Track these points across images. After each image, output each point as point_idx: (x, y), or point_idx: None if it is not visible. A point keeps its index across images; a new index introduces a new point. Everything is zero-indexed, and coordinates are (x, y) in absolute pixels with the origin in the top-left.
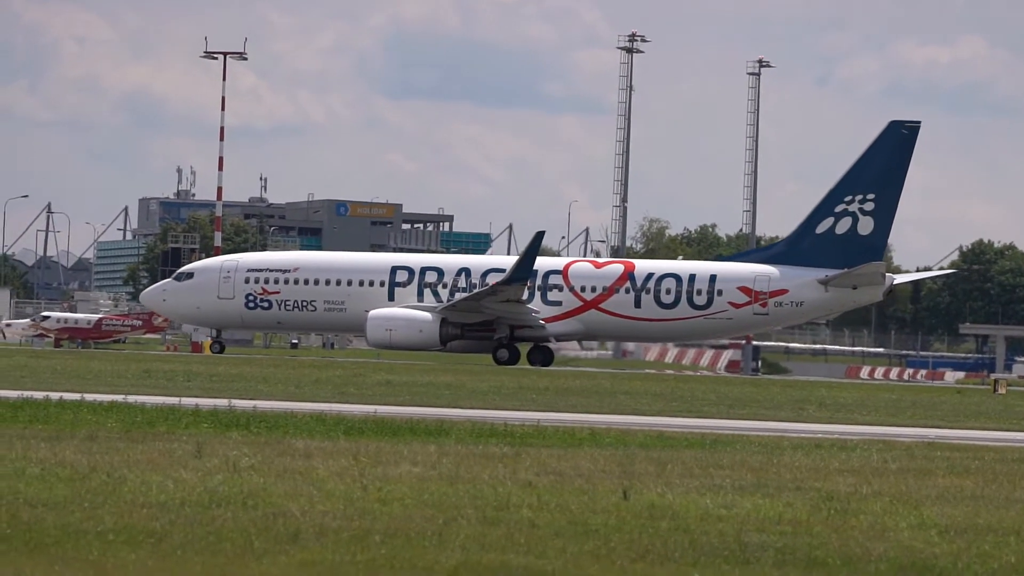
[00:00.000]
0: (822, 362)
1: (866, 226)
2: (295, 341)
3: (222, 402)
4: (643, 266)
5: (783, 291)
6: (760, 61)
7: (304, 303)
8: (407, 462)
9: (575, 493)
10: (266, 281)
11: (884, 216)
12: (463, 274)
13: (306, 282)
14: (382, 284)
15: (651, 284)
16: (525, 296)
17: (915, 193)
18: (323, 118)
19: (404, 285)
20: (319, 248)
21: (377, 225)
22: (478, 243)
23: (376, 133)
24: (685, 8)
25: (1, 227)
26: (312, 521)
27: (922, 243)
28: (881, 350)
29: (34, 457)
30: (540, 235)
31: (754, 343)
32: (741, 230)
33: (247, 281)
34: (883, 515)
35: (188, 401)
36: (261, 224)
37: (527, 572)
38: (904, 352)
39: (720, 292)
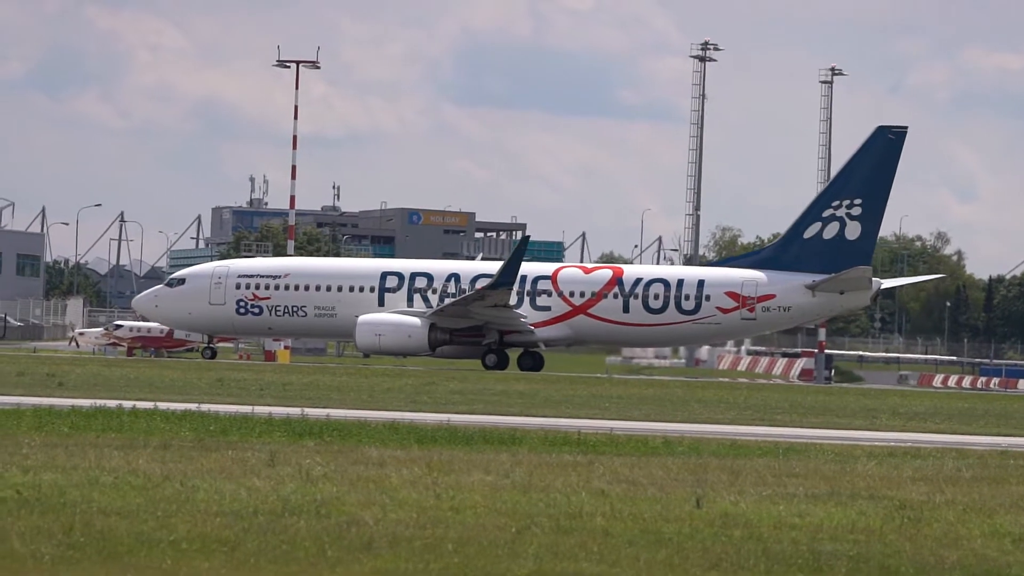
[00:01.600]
0: (895, 370)
1: (853, 231)
2: None
3: (295, 411)
4: (631, 271)
5: (771, 296)
6: (832, 69)
7: (295, 309)
8: (480, 471)
9: (648, 502)
10: (257, 287)
11: (871, 221)
12: (452, 280)
13: (296, 288)
14: (372, 290)
15: (639, 289)
16: (514, 301)
17: (986, 201)
18: (395, 126)
19: (394, 291)
20: (392, 257)
21: (450, 234)
22: (551, 252)
23: (447, 141)
24: (757, 16)
25: (75, 236)
26: (385, 530)
27: (994, 250)
28: (954, 358)
29: (107, 466)
30: (526, 239)
31: (827, 351)
32: None
33: (238, 287)
34: (956, 523)
35: (261, 410)
36: (334, 233)
37: None
38: (977, 360)
39: (708, 297)
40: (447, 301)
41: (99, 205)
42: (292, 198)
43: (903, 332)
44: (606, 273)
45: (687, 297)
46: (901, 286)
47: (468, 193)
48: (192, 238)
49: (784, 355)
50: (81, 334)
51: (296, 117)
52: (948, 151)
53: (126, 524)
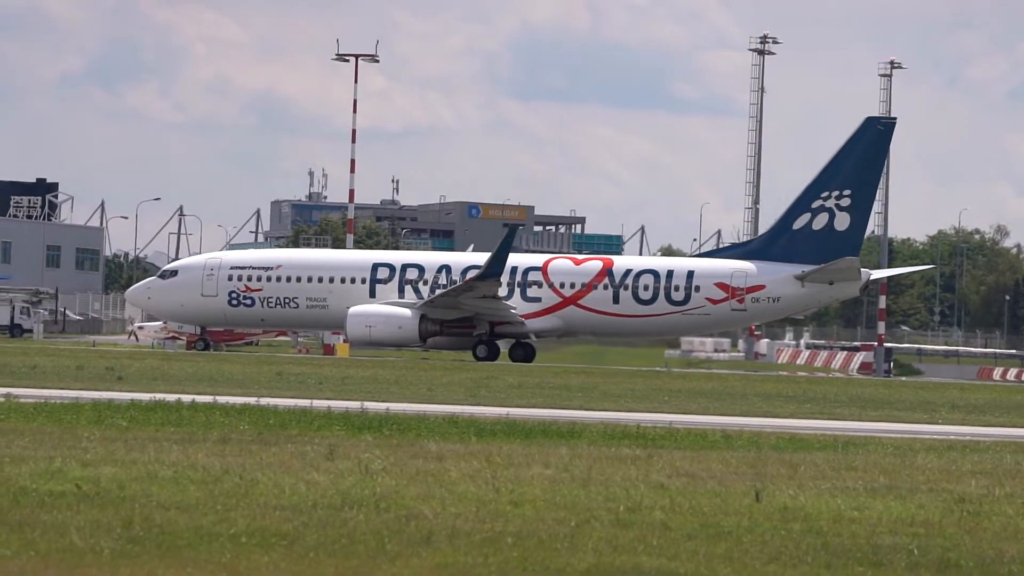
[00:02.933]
0: (954, 363)
1: (843, 222)
2: None
3: (354, 405)
4: (621, 262)
5: (760, 287)
6: (892, 63)
7: (286, 300)
8: (539, 464)
9: (707, 495)
10: (249, 279)
11: (860, 212)
12: (443, 271)
13: (288, 279)
14: (363, 281)
15: (629, 280)
16: (504, 293)
17: None
18: (453, 120)
19: (385, 282)
20: (451, 250)
21: (509, 227)
22: (610, 245)
23: (506, 135)
24: (815, 9)
25: (134, 230)
26: (444, 523)
27: None
28: (1013, 352)
29: (167, 460)
30: (513, 230)
31: (886, 345)
32: (872, 232)
33: (230, 279)
34: (1016, 517)
35: (320, 404)
36: (393, 226)
37: (660, 574)
38: None
39: (697, 288)
40: (437, 292)
41: (158, 199)
42: (351, 192)
43: (962, 326)
44: (596, 264)
45: (677, 288)
46: (892, 276)
47: (527, 187)
48: (251, 232)
49: (843, 349)
50: (140, 328)
51: (355, 111)
52: (1007, 145)
53: (185, 518)
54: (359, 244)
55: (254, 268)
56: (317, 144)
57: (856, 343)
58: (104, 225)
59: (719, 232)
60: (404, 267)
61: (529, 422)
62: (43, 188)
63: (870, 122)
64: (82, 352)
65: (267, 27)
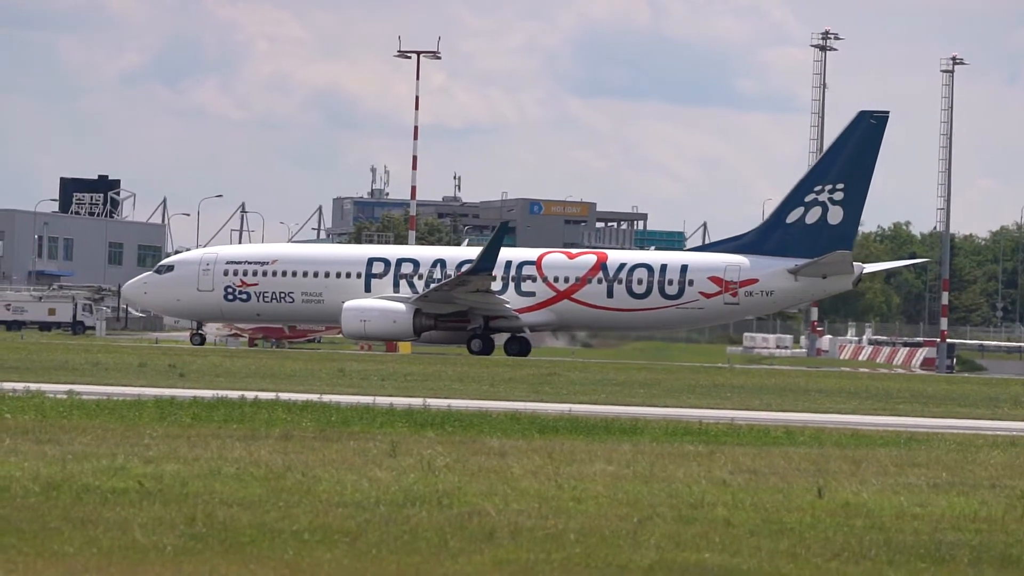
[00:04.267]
0: (1016, 359)
1: (836, 216)
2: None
3: (416, 401)
4: (615, 257)
5: (753, 280)
6: (954, 59)
7: (282, 295)
8: (602, 461)
9: (770, 491)
10: (244, 273)
11: (853, 206)
12: (438, 265)
13: (284, 274)
14: (359, 276)
15: (623, 274)
16: (499, 287)
17: None
18: (515, 116)
19: (380, 276)
20: (513, 247)
21: (571, 224)
22: (672, 241)
23: (567, 131)
24: (876, 5)
25: (196, 227)
26: (507, 520)
27: None
28: None
29: (229, 456)
30: (504, 225)
31: (949, 341)
32: (935, 228)
33: (226, 274)
34: None
35: (383, 400)
36: (455, 223)
37: (722, 571)
38: None
39: (691, 282)
40: (431, 287)
41: (220, 196)
42: (413, 188)
43: None
44: (590, 258)
45: (670, 282)
46: (884, 270)
47: (588, 183)
48: (313, 229)
49: (905, 345)
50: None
51: (417, 107)
52: None
53: (248, 515)
54: (421, 241)
55: (249, 263)
56: (379, 141)
57: (918, 339)
58: (166, 222)
59: None
60: (399, 261)
61: (591, 418)
62: (105, 185)
63: (863, 116)
64: (145, 349)
65: (328, 24)
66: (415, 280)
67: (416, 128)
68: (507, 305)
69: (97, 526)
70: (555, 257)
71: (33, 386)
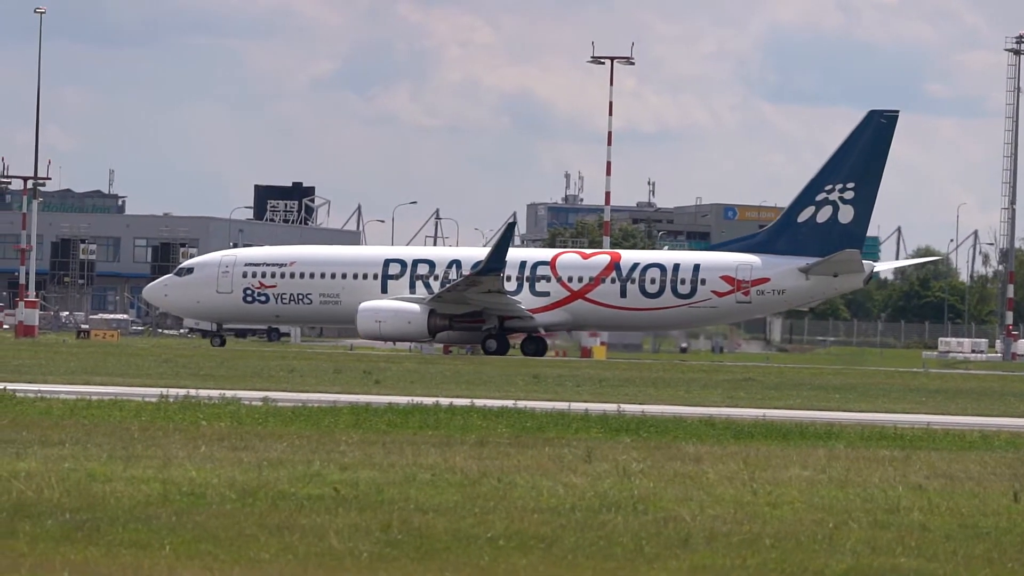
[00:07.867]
0: None
1: (846, 215)
2: (684, 345)
3: (611, 407)
4: (629, 256)
5: (765, 279)
6: None
7: (300, 296)
8: (797, 466)
9: (965, 496)
10: (263, 275)
11: (864, 205)
12: (454, 266)
13: (302, 276)
14: (375, 277)
15: (636, 274)
16: (514, 287)
17: None
18: (707, 122)
19: (396, 278)
20: None
21: (508, 223)
22: (867, 246)
23: (759, 136)
24: None
25: (391, 233)
26: (702, 525)
27: None
28: None
29: (425, 463)
30: (512, 226)
31: None
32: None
33: (245, 276)
34: None
35: (577, 406)
36: (649, 229)
37: (918, 575)
38: None
39: (703, 281)
40: (444, 288)
41: (414, 203)
42: (607, 194)
43: None
44: (604, 258)
45: (683, 281)
46: (894, 269)
47: (782, 188)
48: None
49: None
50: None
51: (611, 113)
52: None
53: (444, 521)
54: (615, 247)
55: (268, 265)
56: (572, 146)
57: None
58: (361, 229)
59: (975, 232)
60: (415, 263)
61: (786, 423)
62: (299, 192)
63: (873, 115)
64: (340, 356)
65: (518, 29)
66: (431, 281)
67: (610, 133)
68: (520, 305)
69: (293, 533)
70: (569, 257)
71: (229, 393)
